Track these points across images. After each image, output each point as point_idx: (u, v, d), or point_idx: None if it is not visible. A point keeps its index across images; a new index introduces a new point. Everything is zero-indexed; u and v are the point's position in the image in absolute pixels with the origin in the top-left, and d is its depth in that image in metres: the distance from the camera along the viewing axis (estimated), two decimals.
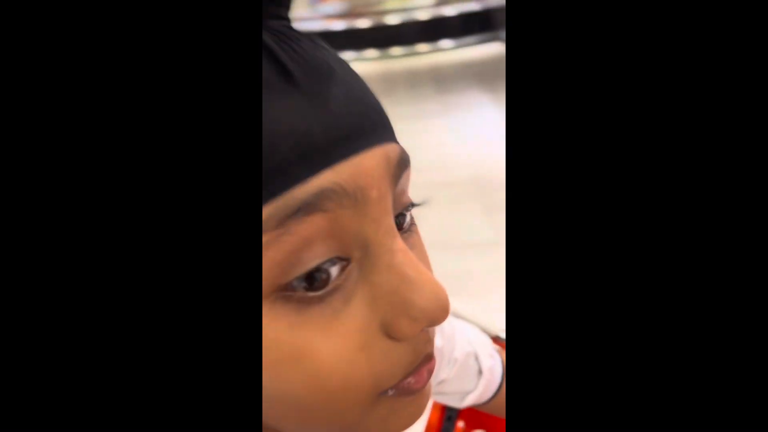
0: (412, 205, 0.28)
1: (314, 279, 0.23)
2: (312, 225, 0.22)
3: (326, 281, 0.23)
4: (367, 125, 0.25)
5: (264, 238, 0.21)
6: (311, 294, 0.23)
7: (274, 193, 0.21)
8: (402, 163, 0.26)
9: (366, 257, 0.24)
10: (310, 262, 0.22)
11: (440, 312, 0.24)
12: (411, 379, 0.26)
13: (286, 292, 0.23)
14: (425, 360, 0.26)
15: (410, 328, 0.24)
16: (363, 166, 0.23)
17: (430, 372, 0.27)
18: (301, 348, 0.23)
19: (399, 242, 0.25)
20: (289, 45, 0.23)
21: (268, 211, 0.21)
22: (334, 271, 0.23)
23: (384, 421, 0.27)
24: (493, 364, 0.49)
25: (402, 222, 0.27)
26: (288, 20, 0.26)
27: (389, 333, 0.25)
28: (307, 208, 0.22)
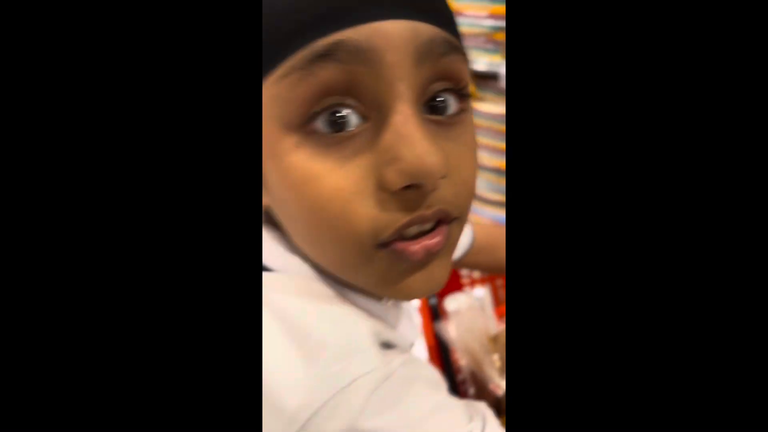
0: (458, 92, 0.30)
1: (335, 123, 0.27)
2: (329, 71, 0.26)
3: (344, 125, 0.27)
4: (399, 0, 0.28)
5: (295, 77, 0.27)
6: (333, 135, 0.27)
7: (303, 44, 0.26)
8: (438, 45, 0.28)
9: (379, 119, 0.27)
10: (329, 100, 0.27)
11: (424, 172, 0.26)
12: (408, 248, 0.29)
13: (312, 127, 0.27)
14: (425, 231, 0.29)
15: (396, 179, 0.27)
16: (383, 30, 0.26)
17: (427, 249, 0.29)
18: (311, 174, 0.28)
19: (407, 108, 0.27)
20: None
21: (298, 56, 0.26)
22: (353, 119, 0.27)
23: (383, 277, 0.30)
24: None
25: (442, 106, 0.30)
26: None
27: (381, 184, 0.27)
28: (325, 55, 0.26)
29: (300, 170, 0.28)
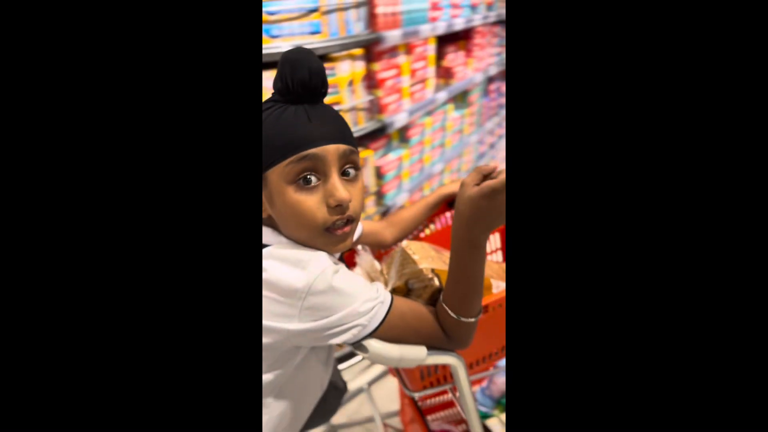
0: (355, 167, 0.80)
1: (307, 181, 0.75)
2: (306, 163, 0.74)
3: (310, 182, 0.75)
4: (336, 136, 0.76)
5: (291, 164, 0.73)
6: (308, 186, 0.75)
7: (297, 152, 0.74)
8: (348, 152, 0.78)
9: (325, 179, 0.76)
10: (306, 173, 0.75)
11: (343, 200, 0.75)
12: (336, 230, 0.78)
13: (298, 183, 0.75)
14: (343, 224, 0.78)
15: (333, 203, 0.76)
16: (328, 148, 0.75)
17: (346, 233, 0.79)
18: (298, 202, 0.75)
19: (336, 176, 0.76)
20: (315, 108, 0.77)
21: (294, 157, 0.73)
22: (314, 180, 0.75)
23: (326, 243, 0.78)
24: None
25: (348, 173, 0.79)
26: (320, 100, 0.80)
27: (327, 205, 0.76)
28: (306, 157, 0.74)
29: (293, 199, 0.75)
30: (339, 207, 0.76)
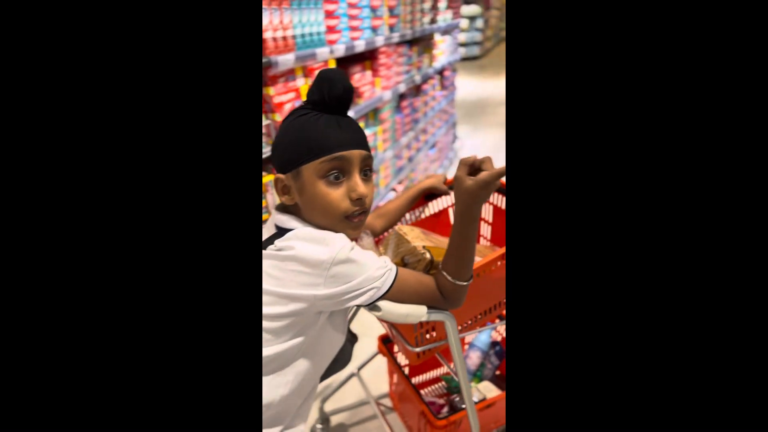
0: (369, 169, 1.02)
1: (336, 177, 0.96)
2: (336, 162, 0.95)
3: (339, 178, 0.97)
4: (359, 143, 0.99)
5: (324, 162, 0.94)
6: (335, 181, 0.97)
7: (330, 152, 0.95)
8: (367, 157, 1.00)
9: (349, 176, 0.98)
10: (335, 170, 0.96)
11: (363, 195, 0.98)
12: (354, 218, 1.00)
13: (328, 178, 0.96)
14: (358, 214, 1.00)
15: (355, 196, 0.97)
16: (354, 152, 0.97)
17: (361, 221, 1.01)
18: (327, 194, 0.96)
19: (357, 175, 0.98)
20: (344, 119, 0.98)
21: (327, 157, 0.94)
22: (341, 177, 0.97)
23: (345, 228, 0.99)
24: None
25: (365, 173, 1.01)
26: (344, 113, 1.00)
27: (350, 198, 0.98)
28: (336, 157, 0.95)
29: (323, 191, 0.96)
30: (359, 200, 0.97)
